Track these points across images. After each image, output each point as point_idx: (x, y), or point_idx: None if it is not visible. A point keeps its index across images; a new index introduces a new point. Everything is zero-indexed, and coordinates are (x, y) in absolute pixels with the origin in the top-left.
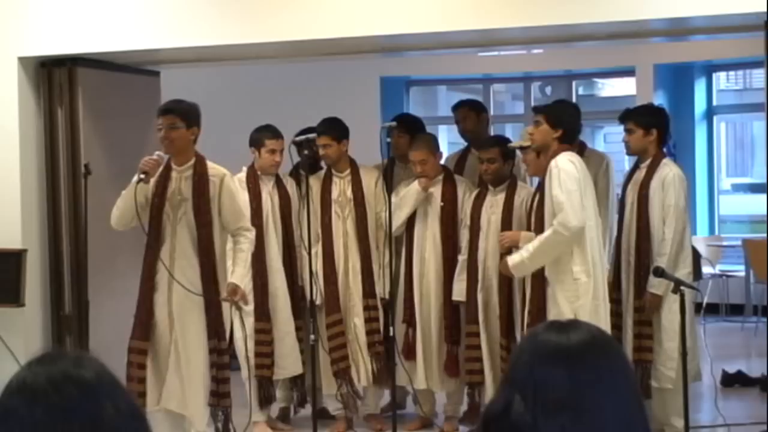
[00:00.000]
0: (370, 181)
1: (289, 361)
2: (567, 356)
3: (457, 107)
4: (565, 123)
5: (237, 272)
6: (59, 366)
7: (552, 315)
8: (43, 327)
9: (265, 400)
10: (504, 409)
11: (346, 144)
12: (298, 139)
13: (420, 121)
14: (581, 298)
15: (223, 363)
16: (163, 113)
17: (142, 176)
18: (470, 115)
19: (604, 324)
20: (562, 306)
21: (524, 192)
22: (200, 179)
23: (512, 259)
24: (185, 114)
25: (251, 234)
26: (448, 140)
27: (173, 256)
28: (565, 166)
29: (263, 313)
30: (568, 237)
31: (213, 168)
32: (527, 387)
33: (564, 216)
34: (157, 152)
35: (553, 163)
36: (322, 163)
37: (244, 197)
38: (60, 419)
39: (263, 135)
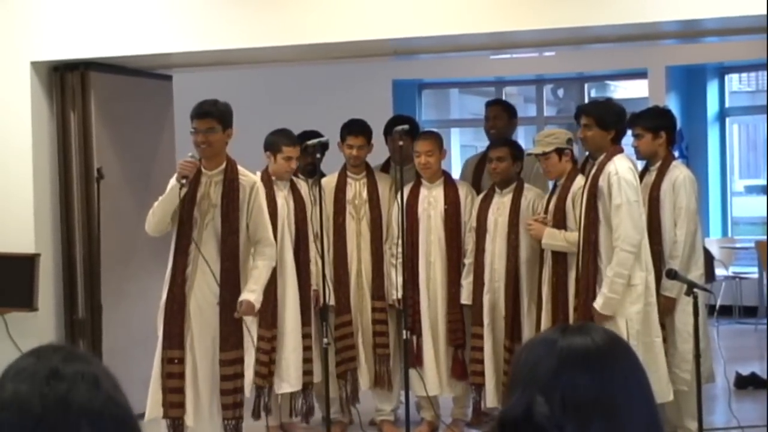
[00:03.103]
0: (385, 186)
1: (292, 375)
2: (597, 358)
3: (492, 104)
4: (615, 123)
5: (249, 287)
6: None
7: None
8: (56, 331)
9: (259, 410)
10: (525, 414)
11: (371, 148)
12: (311, 143)
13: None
14: (636, 303)
15: (238, 373)
16: (201, 116)
17: (183, 181)
18: (502, 115)
19: (656, 332)
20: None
21: (531, 194)
22: (231, 185)
23: (597, 304)
24: (222, 116)
25: (270, 250)
26: (461, 143)
27: (196, 261)
28: (626, 175)
29: (264, 320)
30: (635, 252)
31: (244, 174)
32: (552, 392)
33: (625, 232)
34: (190, 153)
35: (612, 168)
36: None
37: None
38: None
39: (280, 140)
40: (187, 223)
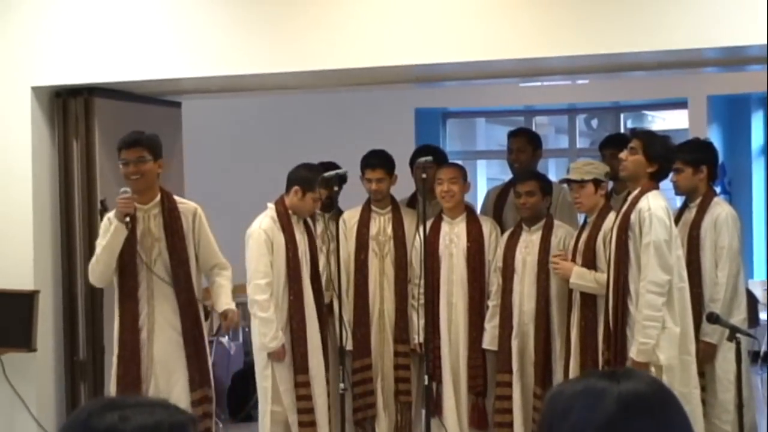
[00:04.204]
0: (411, 222)
1: (322, 420)
2: (658, 402)
3: (516, 135)
4: (662, 158)
5: (223, 300)
6: None
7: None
8: (56, 373)
9: None
10: None
11: (395, 180)
12: (328, 175)
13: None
14: (670, 349)
15: (209, 413)
16: (129, 145)
17: (127, 219)
18: (527, 147)
19: (695, 382)
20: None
21: (561, 231)
22: (171, 215)
23: (632, 352)
24: (152, 146)
25: (228, 272)
26: (487, 176)
27: (151, 302)
28: (659, 212)
29: (302, 365)
30: (661, 293)
31: (182, 202)
32: None
33: (652, 272)
34: (123, 189)
35: (644, 204)
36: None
37: (279, 238)
38: None
39: (315, 180)
40: (131, 265)
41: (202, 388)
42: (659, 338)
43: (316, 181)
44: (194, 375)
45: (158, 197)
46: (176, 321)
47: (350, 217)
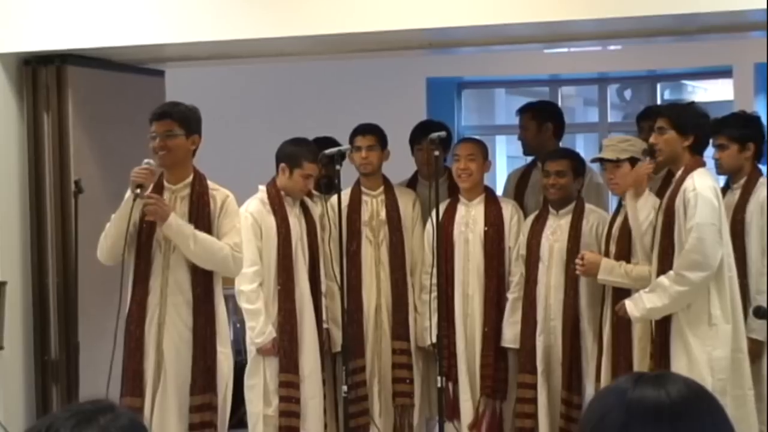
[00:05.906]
0: (407, 203)
1: (313, 427)
2: (670, 413)
3: (522, 112)
4: (695, 126)
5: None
6: None
7: (681, 365)
8: (25, 374)
9: None
10: None
11: (387, 155)
12: (329, 152)
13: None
14: (720, 347)
15: (211, 422)
16: (158, 118)
17: (137, 191)
18: (531, 125)
19: (748, 383)
20: (697, 355)
21: (594, 216)
22: (199, 199)
23: (632, 298)
24: (185, 119)
25: (238, 255)
26: (507, 153)
27: (164, 291)
28: (705, 192)
29: (292, 363)
30: (696, 284)
31: (215, 188)
32: None
33: (693, 257)
34: (146, 160)
35: (689, 184)
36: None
37: (269, 222)
38: None
39: (302, 154)
40: (147, 247)
41: (204, 393)
42: (706, 335)
43: (303, 156)
44: (197, 378)
45: (190, 178)
46: (189, 316)
47: (337, 202)
